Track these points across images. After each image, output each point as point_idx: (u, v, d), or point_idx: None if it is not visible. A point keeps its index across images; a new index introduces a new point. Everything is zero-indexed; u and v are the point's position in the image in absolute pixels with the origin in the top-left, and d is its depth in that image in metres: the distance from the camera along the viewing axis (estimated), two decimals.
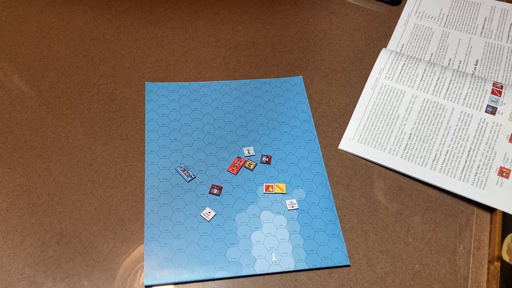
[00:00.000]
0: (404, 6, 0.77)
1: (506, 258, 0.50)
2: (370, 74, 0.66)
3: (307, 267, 0.50)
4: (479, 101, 0.62)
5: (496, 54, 0.69)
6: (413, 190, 0.57)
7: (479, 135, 0.59)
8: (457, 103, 0.62)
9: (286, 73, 0.67)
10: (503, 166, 0.57)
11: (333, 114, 0.63)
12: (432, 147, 0.59)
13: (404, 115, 0.62)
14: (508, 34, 0.72)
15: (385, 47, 0.71)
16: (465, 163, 0.58)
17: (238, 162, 0.58)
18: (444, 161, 0.58)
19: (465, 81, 0.64)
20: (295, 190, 0.56)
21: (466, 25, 0.74)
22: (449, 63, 0.69)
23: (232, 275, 0.49)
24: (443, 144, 0.59)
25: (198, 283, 0.49)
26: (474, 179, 0.56)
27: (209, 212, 0.53)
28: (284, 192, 0.56)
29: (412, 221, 0.54)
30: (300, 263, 0.50)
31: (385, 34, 0.73)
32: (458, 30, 0.73)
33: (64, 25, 0.72)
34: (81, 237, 0.51)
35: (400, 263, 0.51)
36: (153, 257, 0.50)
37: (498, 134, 0.59)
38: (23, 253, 0.50)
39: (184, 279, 0.49)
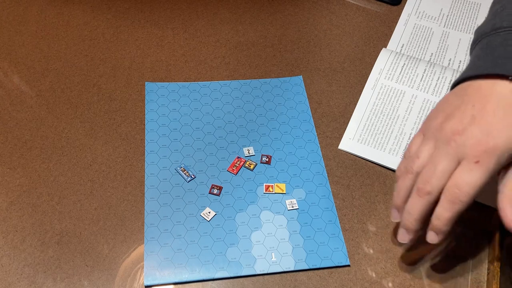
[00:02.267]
0: (404, 6, 0.77)
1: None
2: (370, 74, 0.66)
3: (307, 267, 0.50)
4: None
5: None
6: None
7: None
8: None
9: (286, 73, 0.68)
10: None
11: (333, 114, 0.63)
12: None
13: (404, 115, 0.62)
14: None
15: (385, 47, 0.71)
16: None
17: (238, 162, 0.58)
18: None
19: None
20: (295, 190, 0.56)
21: (466, 25, 0.74)
22: (449, 63, 0.69)
23: (232, 275, 0.49)
24: None
25: (198, 283, 0.49)
26: None
27: (209, 212, 0.53)
28: (284, 192, 0.56)
29: None
30: (300, 263, 0.50)
31: (385, 34, 0.73)
32: (458, 30, 0.73)
33: (64, 25, 0.72)
34: (81, 237, 0.51)
35: (400, 263, 0.51)
36: (153, 257, 0.50)
37: None
38: (23, 253, 0.50)
39: (184, 279, 0.49)
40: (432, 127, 0.45)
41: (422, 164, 0.44)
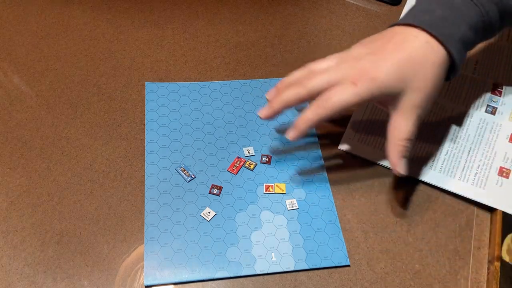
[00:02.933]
0: (404, 6, 0.77)
1: (506, 258, 0.50)
2: None
3: (307, 267, 0.50)
4: (479, 101, 0.62)
5: (496, 54, 0.69)
6: (413, 190, 0.57)
7: (479, 135, 0.59)
8: (457, 103, 0.62)
9: (286, 73, 0.67)
10: (503, 166, 0.57)
11: None
12: (432, 147, 0.59)
13: None
14: (508, 34, 0.72)
15: None
16: (465, 163, 0.58)
17: (238, 162, 0.58)
18: (444, 161, 0.58)
19: (465, 81, 0.64)
20: (295, 190, 0.56)
21: None
22: None
23: (232, 275, 0.49)
24: (443, 144, 0.59)
25: (198, 283, 0.49)
26: (474, 179, 0.56)
27: (209, 212, 0.53)
28: (284, 192, 0.56)
29: (412, 221, 0.54)
30: (300, 263, 0.50)
31: None
32: None
33: (64, 25, 0.72)
34: (81, 237, 0.51)
35: (400, 263, 0.51)
36: (153, 257, 0.50)
37: (498, 134, 0.59)
38: (23, 253, 0.50)
39: (184, 279, 0.49)
40: (348, 50, 0.51)
41: (319, 68, 0.51)
